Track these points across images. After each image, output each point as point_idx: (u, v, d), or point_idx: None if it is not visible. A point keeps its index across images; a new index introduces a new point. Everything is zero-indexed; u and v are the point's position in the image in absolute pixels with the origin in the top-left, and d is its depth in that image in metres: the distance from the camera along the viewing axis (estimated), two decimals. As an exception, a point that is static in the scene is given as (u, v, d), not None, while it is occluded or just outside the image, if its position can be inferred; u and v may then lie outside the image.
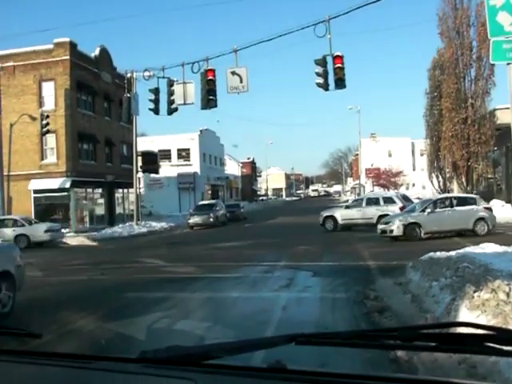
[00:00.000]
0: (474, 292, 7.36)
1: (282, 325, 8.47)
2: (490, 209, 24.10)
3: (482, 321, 6.44)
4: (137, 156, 39.92)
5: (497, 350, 1.63)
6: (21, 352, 2.03)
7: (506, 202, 31.61)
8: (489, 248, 13.20)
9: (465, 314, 6.95)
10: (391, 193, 40.93)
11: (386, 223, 23.06)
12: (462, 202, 23.83)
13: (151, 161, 49.31)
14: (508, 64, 8.08)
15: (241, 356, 1.76)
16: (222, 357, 1.77)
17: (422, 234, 22.18)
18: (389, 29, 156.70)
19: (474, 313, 6.76)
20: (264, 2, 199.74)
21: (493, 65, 29.80)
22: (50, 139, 38.17)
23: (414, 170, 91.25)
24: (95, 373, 1.80)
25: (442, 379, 1.61)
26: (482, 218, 22.89)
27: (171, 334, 8.25)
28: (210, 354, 1.78)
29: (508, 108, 8.26)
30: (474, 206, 23.31)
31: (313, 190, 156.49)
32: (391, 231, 22.43)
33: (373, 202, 29.92)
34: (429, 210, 22.73)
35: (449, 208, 23.09)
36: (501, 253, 12.00)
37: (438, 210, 22.96)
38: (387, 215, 25.39)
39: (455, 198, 24.87)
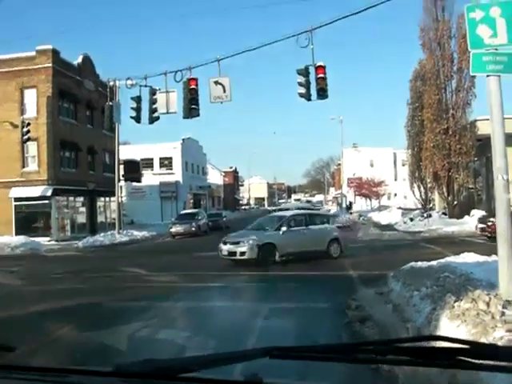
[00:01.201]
0: (455, 302, 7.39)
1: (263, 334, 8.45)
2: (341, 227, 22.38)
3: (462, 330, 6.48)
4: (119, 164, 39.73)
5: (470, 364, 1.64)
6: None
7: (486, 212, 31.86)
8: (469, 258, 13.28)
9: (445, 323, 6.97)
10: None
11: (235, 243, 19.48)
12: (316, 219, 21.66)
13: (133, 169, 49.13)
14: (487, 76, 8.16)
15: (218, 369, 1.75)
16: (198, 370, 1.76)
17: (277, 257, 19.16)
18: (371, 39, 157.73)
19: (455, 322, 6.79)
20: (248, 12, 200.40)
21: (473, 76, 30.06)
22: (32, 147, 37.85)
23: (395, 179, 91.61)
24: None
25: None
26: (335, 239, 20.66)
27: (151, 344, 8.19)
28: (185, 367, 1.76)
29: (488, 119, 8.32)
30: (327, 225, 21.31)
31: (295, 200, 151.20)
32: (242, 253, 18.95)
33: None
34: (284, 229, 19.72)
35: (303, 226, 20.40)
36: (481, 262, 12.05)
37: (293, 228, 20.12)
38: None
39: (309, 215, 22.49)
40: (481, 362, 1.62)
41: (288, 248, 19.29)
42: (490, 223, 24.15)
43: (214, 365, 1.79)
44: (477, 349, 1.72)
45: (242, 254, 18.95)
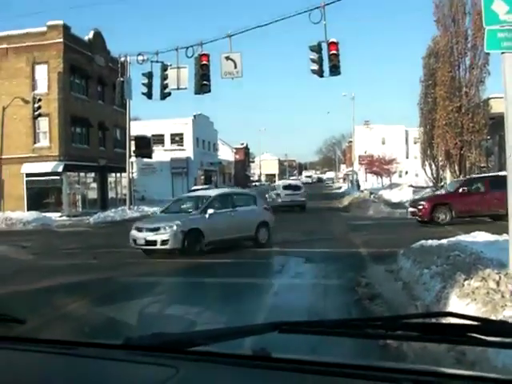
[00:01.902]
0: (465, 280, 7.38)
1: (273, 310, 8.50)
2: (268, 209, 19.84)
3: (472, 309, 6.47)
4: (130, 140, 39.69)
5: (480, 341, 1.63)
6: (4, 338, 2.02)
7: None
8: (480, 237, 13.25)
9: (455, 301, 6.98)
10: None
11: (154, 230, 16.10)
12: (242, 201, 18.92)
13: (144, 145, 49.13)
14: (502, 53, 8.04)
15: (226, 343, 1.77)
16: (206, 344, 1.77)
17: (203, 246, 16.48)
18: (384, 16, 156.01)
19: (464, 301, 6.79)
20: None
21: (487, 54, 29.65)
22: (43, 123, 37.91)
23: (407, 157, 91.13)
24: (78, 359, 1.80)
25: (429, 368, 1.62)
26: (264, 222, 18.37)
27: (160, 318, 8.25)
28: (194, 341, 1.77)
29: (502, 97, 8.23)
30: (254, 207, 18.76)
31: (306, 177, 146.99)
32: (164, 242, 15.74)
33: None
34: (211, 212, 16.73)
35: (230, 208, 17.76)
36: (492, 241, 12.02)
37: (218, 211, 17.13)
38: None
39: (235, 194, 19.75)
40: (491, 338, 1.62)
41: (215, 234, 16.63)
42: (420, 207, 23.77)
43: (222, 339, 1.80)
44: (487, 325, 1.72)
45: (164, 242, 15.75)
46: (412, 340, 1.75)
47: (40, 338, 2.06)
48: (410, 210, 25.27)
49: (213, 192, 20.09)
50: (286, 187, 39.07)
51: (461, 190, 23.81)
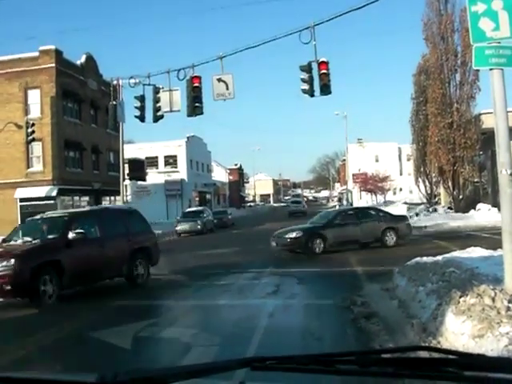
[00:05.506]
0: (460, 297, 7.36)
1: (268, 332, 8.43)
2: None
3: (468, 326, 6.44)
4: (123, 163, 39.59)
5: (456, 376, 1.60)
6: None
7: (492, 206, 31.75)
8: (475, 252, 13.23)
9: (451, 319, 6.94)
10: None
11: None
12: None
13: (138, 168, 49.06)
14: (491, 69, 8.10)
15: (199, 380, 1.73)
16: (180, 381, 1.73)
17: None
18: (374, 34, 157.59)
19: (460, 318, 6.76)
20: (250, 11, 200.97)
21: (477, 70, 29.87)
22: (36, 147, 37.92)
23: (401, 174, 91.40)
24: None
25: None
26: None
27: (155, 343, 8.17)
28: (168, 378, 1.73)
29: (492, 112, 8.28)
30: None
31: (294, 195, 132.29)
32: None
33: None
34: None
35: None
36: (487, 257, 12.01)
37: None
38: None
39: None
40: (468, 373, 1.58)
41: None
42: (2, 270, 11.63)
43: (195, 375, 1.76)
44: (463, 359, 1.68)
45: None
46: (386, 376, 1.70)
47: (8, 375, 1.96)
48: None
49: None
50: (292, 202, 73.41)
51: (71, 236, 13.27)
